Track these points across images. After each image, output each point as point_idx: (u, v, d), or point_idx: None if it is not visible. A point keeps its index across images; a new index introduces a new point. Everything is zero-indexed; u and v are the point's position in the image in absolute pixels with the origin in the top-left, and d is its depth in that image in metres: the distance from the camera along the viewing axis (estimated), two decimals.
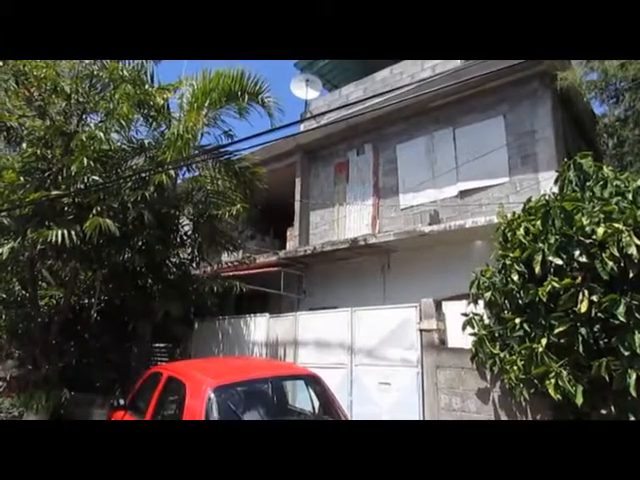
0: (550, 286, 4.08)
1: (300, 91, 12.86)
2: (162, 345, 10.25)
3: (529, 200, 5.01)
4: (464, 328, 5.28)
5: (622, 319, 3.71)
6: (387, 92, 5.89)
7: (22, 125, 7.60)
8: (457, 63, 9.90)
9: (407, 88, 7.25)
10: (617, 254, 3.80)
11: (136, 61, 8.43)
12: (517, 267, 4.46)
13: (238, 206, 8.68)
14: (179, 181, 9.45)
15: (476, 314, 5.25)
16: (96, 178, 7.12)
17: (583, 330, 3.97)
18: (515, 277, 4.46)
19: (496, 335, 4.92)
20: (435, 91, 7.22)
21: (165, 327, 9.15)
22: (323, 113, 9.95)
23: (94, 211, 6.92)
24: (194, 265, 9.71)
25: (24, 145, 7.62)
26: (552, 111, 8.24)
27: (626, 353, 3.73)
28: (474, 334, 5.15)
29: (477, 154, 8.72)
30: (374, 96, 5.80)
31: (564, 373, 4.01)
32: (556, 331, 4.04)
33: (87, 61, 8.01)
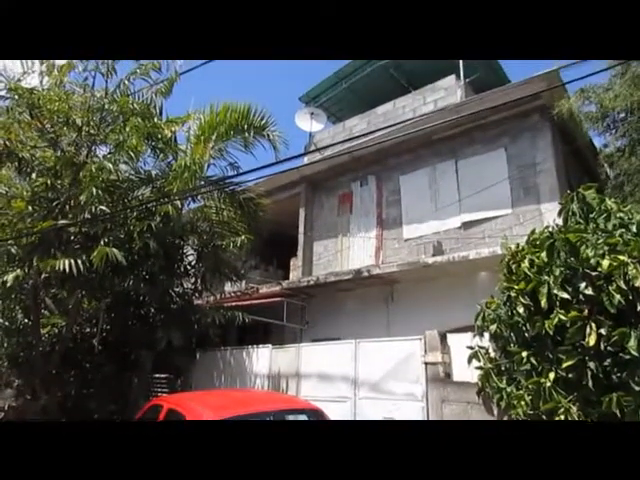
0: (557, 319, 4.04)
1: (305, 123, 13.15)
2: (162, 376, 10.09)
3: (533, 232, 5.02)
4: (470, 361, 5.19)
5: (634, 353, 3.64)
6: (391, 126, 6.01)
7: (33, 156, 7.76)
8: (458, 98, 10.16)
9: (410, 122, 7.42)
10: (624, 287, 3.77)
11: (146, 95, 8.70)
12: (522, 299, 4.43)
13: (242, 237, 8.73)
14: (184, 211, 9.56)
15: (482, 347, 5.17)
16: (103, 208, 7.21)
17: (592, 364, 3.90)
18: (521, 310, 4.42)
19: (502, 369, 4.83)
20: (437, 125, 7.37)
21: (166, 357, 9.05)
22: (327, 146, 10.14)
23: (101, 241, 6.98)
24: (197, 295, 9.69)
25: (34, 175, 7.76)
26: (553, 143, 8.37)
27: (637, 388, 3.66)
28: (480, 367, 5.06)
29: (480, 186, 8.81)
30: (378, 130, 5.92)
31: (574, 409, 3.92)
32: (564, 365, 3.98)
33: (98, 94, 8.26)
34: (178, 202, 8.09)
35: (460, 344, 5.83)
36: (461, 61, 10.50)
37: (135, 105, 7.92)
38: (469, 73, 10.66)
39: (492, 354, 5.08)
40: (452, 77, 10.61)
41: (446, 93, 10.55)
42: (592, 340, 3.81)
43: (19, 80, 7.86)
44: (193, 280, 9.53)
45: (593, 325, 3.86)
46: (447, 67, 10.96)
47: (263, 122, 8.60)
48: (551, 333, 4.09)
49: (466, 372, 5.61)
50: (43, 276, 7.25)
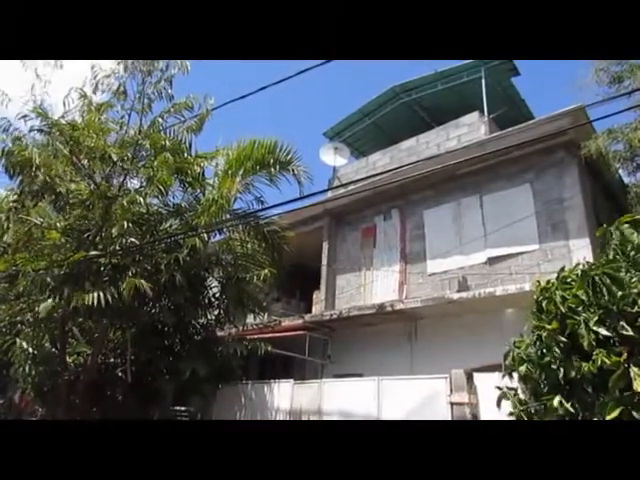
0: (600, 361, 3.86)
1: (328, 158, 13.40)
2: (183, 409, 10.02)
3: (562, 269, 4.90)
4: (499, 403, 4.99)
5: None
6: (415, 162, 6.07)
7: (68, 189, 8.08)
8: (482, 134, 10.22)
9: (434, 158, 7.47)
10: None
11: (177, 132, 9.02)
12: (557, 338, 4.28)
13: (266, 271, 8.77)
14: (209, 243, 9.69)
15: (511, 388, 4.98)
16: (134, 240, 7.39)
17: (635, 414, 3.69)
18: (557, 351, 4.26)
19: (532, 412, 4.63)
20: (462, 161, 7.39)
21: (188, 389, 9.00)
22: (351, 182, 10.25)
23: (129, 272, 7.13)
24: (219, 326, 9.69)
25: (68, 207, 8.04)
26: (580, 179, 8.29)
27: None
28: (510, 413, 4.86)
29: (505, 221, 8.73)
30: (403, 166, 5.99)
31: None
32: (608, 417, 3.76)
33: (132, 131, 8.62)
34: (205, 235, 8.23)
35: (488, 384, 5.63)
36: (485, 98, 10.62)
37: (167, 142, 8.22)
38: (493, 109, 10.75)
39: (521, 396, 4.89)
40: (476, 113, 10.72)
41: (469, 129, 10.64)
42: (638, 385, 3.61)
43: (62, 117, 8.29)
44: (216, 312, 9.56)
45: (635, 369, 3.67)
46: (470, 103, 11.10)
47: (289, 157, 8.77)
48: (590, 377, 3.92)
49: (494, 414, 5.39)
50: (72, 305, 7.40)
